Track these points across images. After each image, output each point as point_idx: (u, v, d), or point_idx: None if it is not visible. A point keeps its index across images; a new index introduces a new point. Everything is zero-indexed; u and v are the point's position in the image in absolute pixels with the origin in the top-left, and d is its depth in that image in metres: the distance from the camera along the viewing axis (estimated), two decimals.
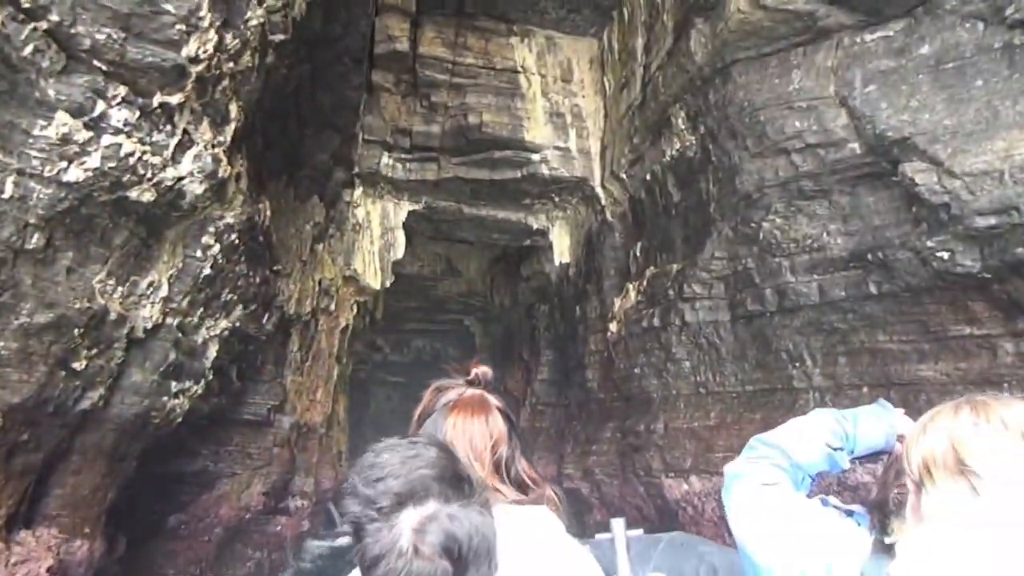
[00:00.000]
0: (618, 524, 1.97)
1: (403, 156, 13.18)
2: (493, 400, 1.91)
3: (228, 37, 6.13)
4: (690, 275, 10.07)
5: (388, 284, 14.49)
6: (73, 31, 5.23)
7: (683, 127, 10.09)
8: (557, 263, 15.09)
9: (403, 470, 1.29)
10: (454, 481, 1.31)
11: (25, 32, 5.02)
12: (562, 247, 14.88)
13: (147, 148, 6.06)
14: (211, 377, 9.01)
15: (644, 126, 11.14)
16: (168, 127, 6.19)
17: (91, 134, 5.67)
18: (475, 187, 13.68)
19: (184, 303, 7.72)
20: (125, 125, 5.81)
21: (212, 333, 8.57)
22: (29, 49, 5.09)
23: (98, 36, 5.34)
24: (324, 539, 14.37)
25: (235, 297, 8.73)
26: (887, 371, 7.88)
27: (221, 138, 6.83)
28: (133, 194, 6.22)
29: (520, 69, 13.02)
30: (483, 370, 1.98)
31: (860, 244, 7.80)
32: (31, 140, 5.43)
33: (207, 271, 7.75)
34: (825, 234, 8.16)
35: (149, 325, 7.36)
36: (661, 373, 10.97)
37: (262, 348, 11.48)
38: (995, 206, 6.44)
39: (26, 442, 6.57)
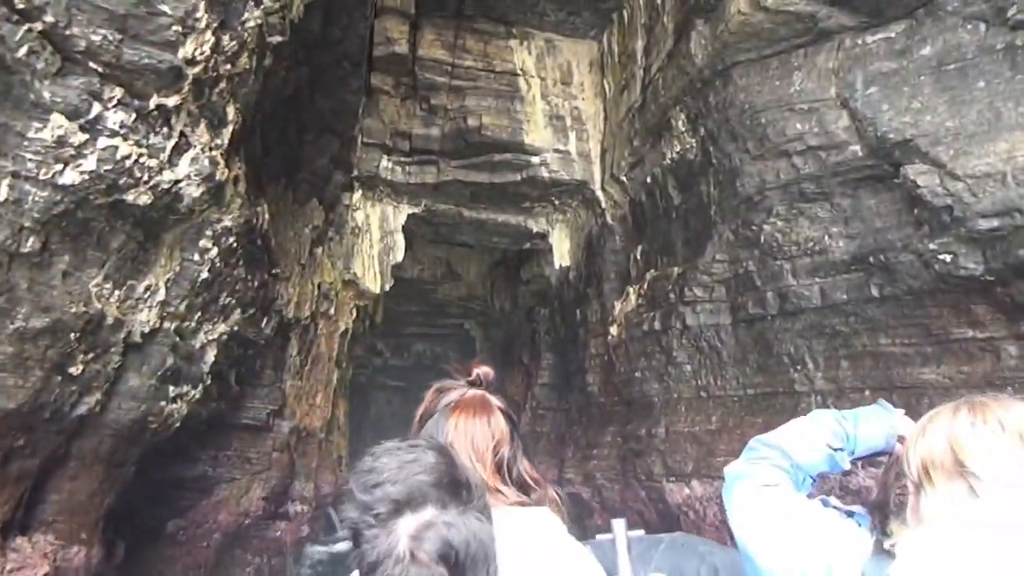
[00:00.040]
0: (619, 525, 1.97)
1: (402, 159, 13.13)
2: (495, 400, 1.91)
3: (225, 39, 6.08)
4: (691, 278, 10.02)
5: (388, 288, 14.43)
6: (68, 32, 5.19)
7: (683, 129, 10.04)
8: (557, 266, 15.03)
9: (401, 475, 1.28)
10: (452, 486, 1.29)
11: (20, 33, 4.98)
12: (562, 250, 14.83)
13: (144, 151, 6.01)
14: (209, 382, 8.96)
15: (644, 129, 11.10)
16: (165, 129, 6.14)
17: (87, 136, 5.62)
18: (475, 190, 13.62)
19: (182, 307, 7.67)
20: (121, 127, 5.77)
21: (210, 337, 8.52)
22: (24, 51, 5.06)
23: (94, 37, 5.30)
24: (324, 544, 14.33)
25: (233, 301, 8.68)
26: (889, 374, 7.83)
27: (218, 141, 6.78)
28: (130, 197, 6.17)
29: (520, 72, 12.97)
30: (484, 370, 1.99)
31: (862, 247, 7.75)
32: (26, 142, 5.39)
33: (205, 275, 7.70)
34: (827, 237, 8.11)
35: (146, 329, 7.31)
36: (662, 377, 10.91)
37: (261, 352, 11.44)
38: (998, 208, 6.40)
39: (22, 448, 6.53)
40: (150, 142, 6.05)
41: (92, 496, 7.75)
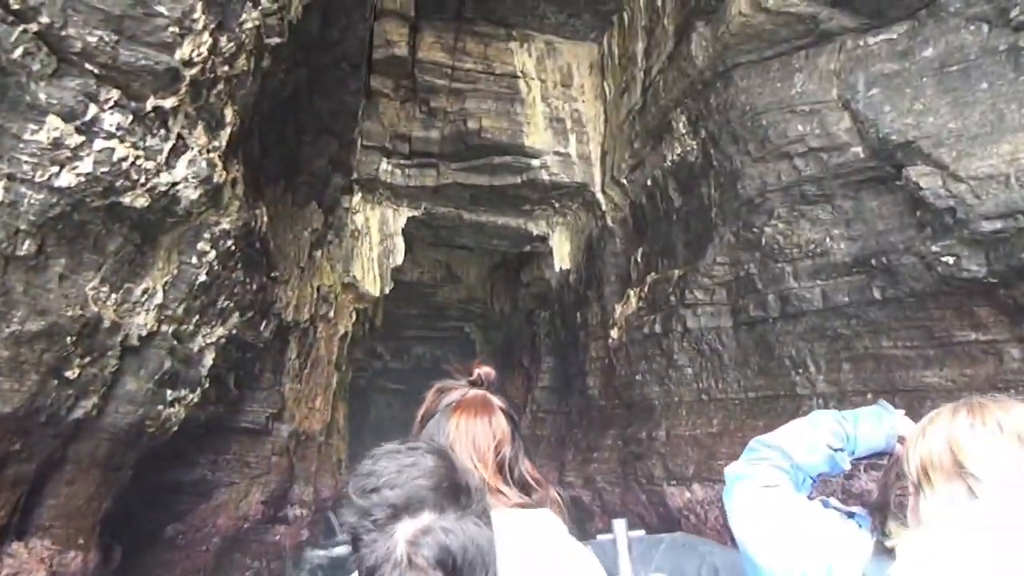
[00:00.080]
0: (620, 525, 1.98)
1: (402, 162, 13.09)
2: (496, 400, 1.91)
3: (223, 40, 6.04)
4: (692, 281, 9.99)
5: (387, 291, 14.39)
6: (64, 33, 5.15)
7: (684, 132, 10.01)
8: (557, 269, 14.99)
9: (399, 480, 1.27)
10: (450, 491, 1.29)
11: (15, 34, 4.95)
12: (562, 253, 14.79)
13: (140, 153, 5.97)
14: (208, 385, 8.92)
15: (645, 131, 11.06)
16: (162, 131, 6.10)
17: (83, 138, 5.59)
18: (475, 193, 13.59)
19: (179, 310, 7.63)
20: (118, 129, 5.73)
21: (208, 341, 8.47)
22: (19, 52, 5.02)
23: (90, 38, 5.26)
24: (323, 548, 14.28)
25: (232, 304, 8.64)
26: (892, 377, 7.79)
27: (216, 143, 6.74)
28: (127, 200, 6.13)
29: (520, 74, 12.94)
30: (486, 370, 1.99)
31: (864, 249, 7.72)
32: (22, 144, 5.35)
33: (203, 278, 7.66)
34: (828, 239, 8.08)
35: (144, 333, 7.27)
36: (663, 380, 10.87)
37: (260, 356, 11.39)
38: (1001, 210, 6.37)
39: (18, 452, 6.48)
40: (147, 144, 6.01)
41: (89, 501, 7.69)
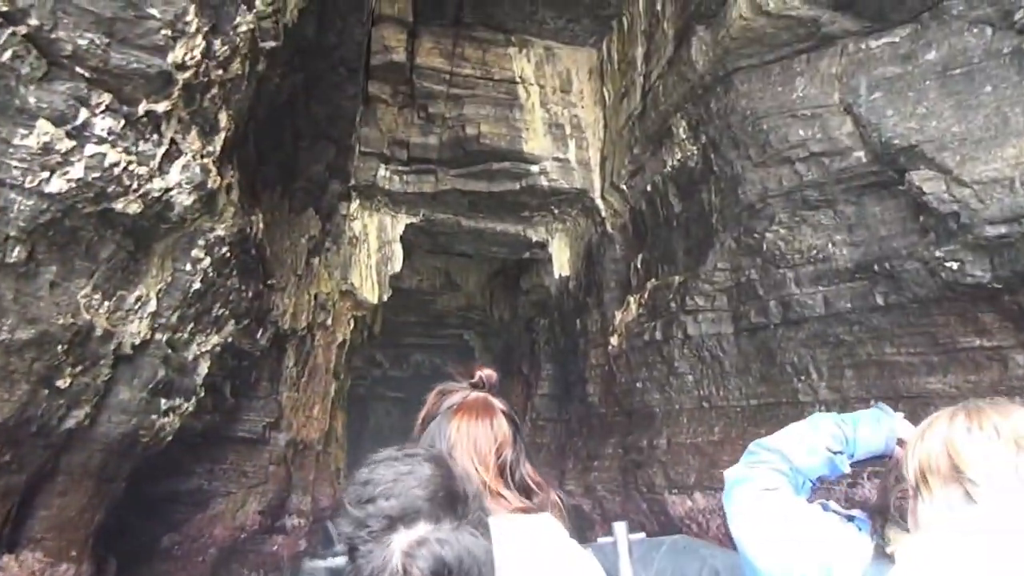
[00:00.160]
0: (620, 528, 1.97)
1: (400, 168, 13.02)
2: (498, 403, 1.92)
3: (216, 43, 5.95)
4: (692, 287, 9.91)
5: (386, 298, 14.31)
6: (54, 36, 5.06)
7: (684, 137, 9.94)
8: (557, 276, 14.92)
9: (395, 489, 1.27)
10: (447, 500, 1.29)
11: (3, 37, 4.85)
12: (562, 260, 14.72)
13: (133, 158, 5.88)
14: (203, 394, 8.82)
15: (644, 136, 11.00)
16: (155, 136, 6.01)
17: (74, 143, 5.49)
18: (473, 199, 13.51)
19: (173, 318, 7.53)
20: (109, 134, 5.63)
21: (203, 349, 8.37)
22: (8, 55, 4.93)
23: (80, 41, 5.17)
24: (322, 558, 14.14)
25: (227, 312, 8.54)
26: (895, 384, 7.74)
27: (210, 148, 6.65)
28: (119, 206, 6.04)
29: (518, 80, 12.88)
30: (487, 373, 1.99)
31: (866, 254, 7.66)
32: (11, 149, 5.25)
33: (197, 285, 7.56)
34: (830, 244, 8.02)
35: (137, 341, 7.17)
36: (663, 387, 10.80)
37: (257, 364, 11.31)
38: (1006, 215, 6.32)
39: (8, 463, 6.39)
40: (139, 149, 5.91)
41: (82, 512, 7.59)
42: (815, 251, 8.14)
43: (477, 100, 12.69)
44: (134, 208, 6.14)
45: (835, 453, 1.78)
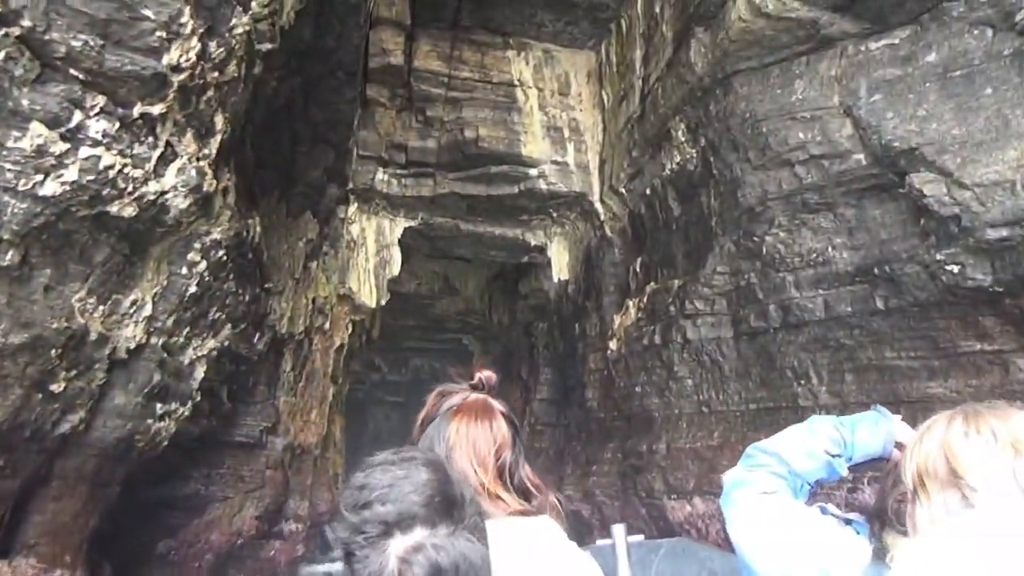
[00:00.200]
0: (619, 530, 2.01)
1: (398, 172, 12.99)
2: (497, 405, 1.93)
3: (212, 45, 5.90)
4: (691, 291, 9.88)
5: (384, 302, 14.25)
6: (47, 38, 5.00)
7: (683, 140, 9.91)
8: (556, 280, 14.87)
9: (391, 495, 1.26)
10: (443, 505, 1.28)
11: None
12: (560, 264, 14.68)
13: (128, 161, 5.81)
14: (199, 399, 8.76)
15: (643, 139, 10.96)
16: (150, 139, 5.95)
17: (68, 146, 5.42)
18: (472, 203, 13.48)
19: (169, 322, 7.47)
20: (104, 136, 5.57)
21: (199, 353, 8.31)
22: (0, 56, 4.87)
23: (74, 43, 5.11)
24: (320, 563, 14.07)
25: (223, 316, 8.49)
26: (895, 388, 7.71)
27: (206, 151, 6.59)
28: (114, 209, 5.97)
29: (517, 83, 12.86)
30: (487, 374, 2.00)
31: (866, 258, 7.63)
32: (4, 152, 5.17)
33: (193, 289, 7.50)
34: (830, 248, 7.99)
35: (132, 345, 7.11)
36: (663, 392, 10.75)
37: (254, 368, 11.25)
38: (1007, 217, 6.30)
39: (2, 468, 6.34)
40: (134, 152, 5.85)
41: (76, 517, 7.53)
42: (815, 254, 8.10)
43: (475, 103, 12.66)
44: (129, 211, 6.08)
45: (833, 456, 1.78)
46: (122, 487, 8.32)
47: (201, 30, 5.69)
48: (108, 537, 8.57)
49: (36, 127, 5.24)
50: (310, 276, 12.54)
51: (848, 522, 1.63)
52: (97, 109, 5.48)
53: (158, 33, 5.38)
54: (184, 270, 7.36)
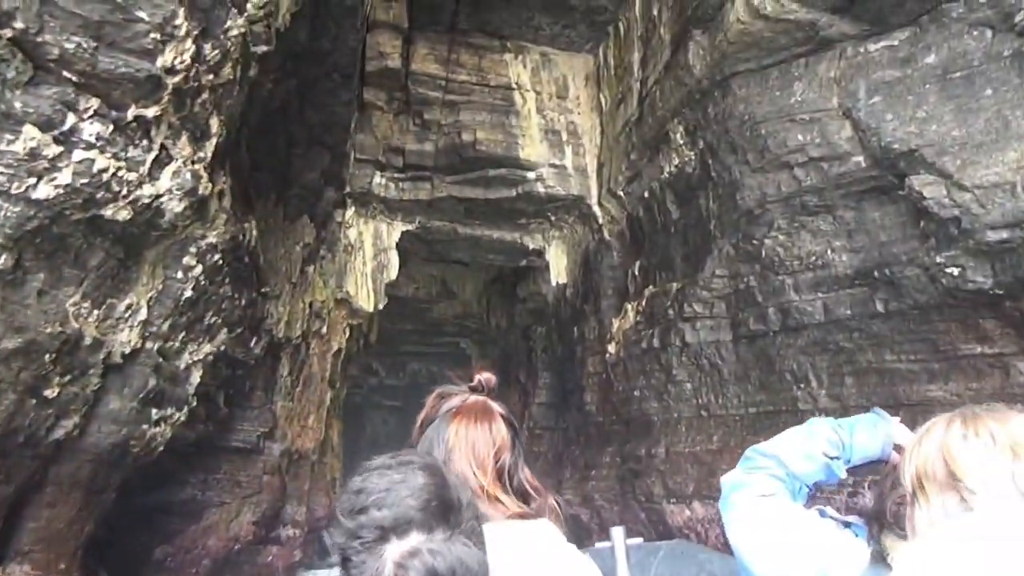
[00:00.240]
0: (618, 532, 2.01)
1: (396, 175, 12.96)
2: (496, 407, 1.91)
3: (207, 47, 5.86)
4: (690, 294, 9.85)
5: (381, 306, 14.22)
6: (40, 39, 4.96)
7: (682, 142, 9.88)
8: (554, 283, 14.85)
9: (387, 499, 1.26)
10: (439, 510, 1.28)
11: None
12: (559, 267, 14.65)
13: (122, 164, 5.78)
14: (195, 404, 8.71)
15: (641, 142, 10.93)
16: (144, 142, 5.91)
17: (61, 149, 5.39)
18: (469, 206, 13.45)
19: (165, 327, 7.43)
20: (98, 139, 5.53)
21: (195, 358, 8.26)
22: None
23: (67, 45, 5.07)
24: (318, 568, 14.00)
25: (219, 320, 8.44)
26: (895, 392, 7.68)
27: (201, 154, 6.55)
28: (108, 212, 5.93)
29: (514, 86, 12.83)
30: (486, 376, 1.99)
31: (866, 261, 7.61)
32: None
33: (189, 293, 7.46)
34: (829, 251, 7.96)
35: (127, 350, 7.06)
36: (661, 395, 10.72)
37: (250, 373, 11.19)
38: (1007, 220, 6.27)
39: None
40: (129, 155, 5.81)
41: (71, 524, 7.47)
42: (814, 257, 8.08)
43: (473, 106, 12.63)
44: (123, 215, 6.04)
45: (831, 459, 1.79)
46: (118, 493, 8.26)
47: (196, 32, 5.65)
48: (104, 543, 8.52)
49: (29, 130, 5.21)
50: (307, 280, 12.49)
51: (846, 524, 1.64)
52: (91, 112, 5.44)
53: (152, 35, 5.34)
54: (179, 274, 7.31)
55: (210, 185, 6.81)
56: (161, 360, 7.65)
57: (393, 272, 14.03)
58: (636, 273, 11.77)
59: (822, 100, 7.64)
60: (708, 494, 9.33)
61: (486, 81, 12.73)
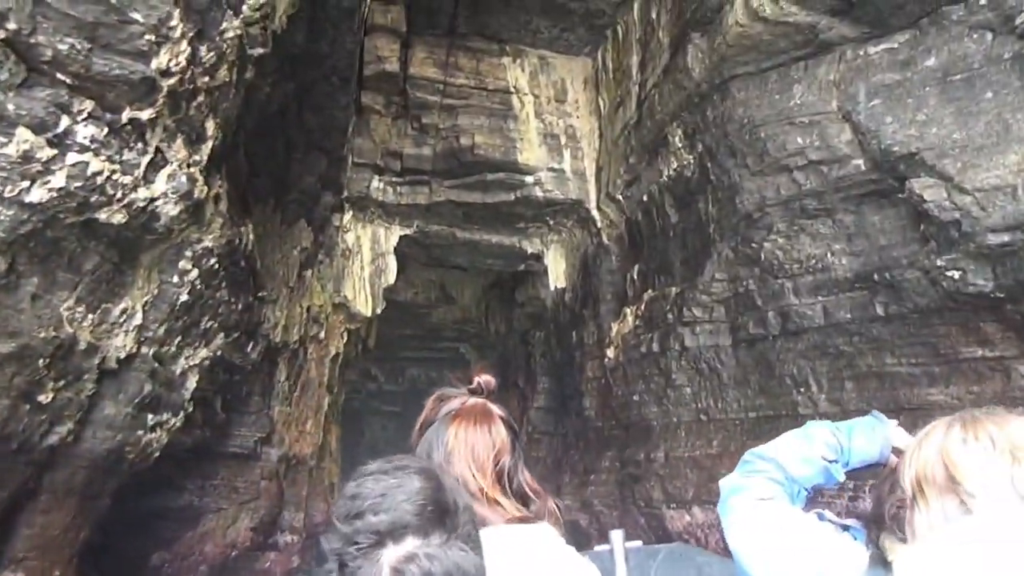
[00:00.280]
0: (617, 536, 2.06)
1: (394, 179, 12.95)
2: (496, 409, 1.91)
3: (202, 49, 5.81)
4: (689, 298, 9.82)
5: (379, 311, 14.20)
6: (33, 41, 4.90)
7: (680, 146, 9.86)
8: (552, 288, 14.84)
9: (383, 504, 1.24)
10: (436, 514, 1.26)
11: None
12: (557, 271, 14.64)
13: (116, 167, 5.71)
14: (192, 409, 8.65)
15: (640, 146, 10.92)
16: (139, 145, 5.84)
17: (55, 151, 5.31)
18: (468, 211, 13.45)
19: (160, 331, 7.36)
20: (92, 142, 5.46)
21: (192, 363, 8.20)
22: None
23: (60, 46, 5.02)
24: (315, 574, 13.95)
25: (216, 325, 8.38)
26: (896, 395, 7.67)
27: (197, 157, 6.49)
28: (102, 216, 5.87)
29: (513, 90, 12.84)
30: (486, 379, 1.98)
31: (866, 264, 7.59)
32: None
33: (184, 297, 7.39)
34: (829, 254, 7.94)
35: (122, 355, 6.99)
36: (661, 400, 10.69)
37: (248, 378, 11.15)
38: (1008, 222, 6.26)
39: None
40: (123, 158, 5.75)
41: (66, 530, 7.40)
42: (814, 261, 8.06)
43: (471, 110, 12.63)
44: (118, 218, 5.98)
45: (830, 462, 1.78)
46: (113, 499, 8.20)
47: (191, 34, 5.59)
48: (100, 550, 8.45)
49: (22, 132, 5.13)
50: (305, 285, 12.45)
51: (845, 528, 1.62)
52: (85, 114, 5.37)
53: (147, 37, 5.28)
54: (175, 278, 7.25)
55: (206, 188, 6.75)
56: (157, 365, 7.59)
57: (391, 277, 14.03)
58: (635, 277, 11.76)
59: (822, 103, 7.63)
60: (708, 499, 9.31)
61: (484, 85, 12.73)
